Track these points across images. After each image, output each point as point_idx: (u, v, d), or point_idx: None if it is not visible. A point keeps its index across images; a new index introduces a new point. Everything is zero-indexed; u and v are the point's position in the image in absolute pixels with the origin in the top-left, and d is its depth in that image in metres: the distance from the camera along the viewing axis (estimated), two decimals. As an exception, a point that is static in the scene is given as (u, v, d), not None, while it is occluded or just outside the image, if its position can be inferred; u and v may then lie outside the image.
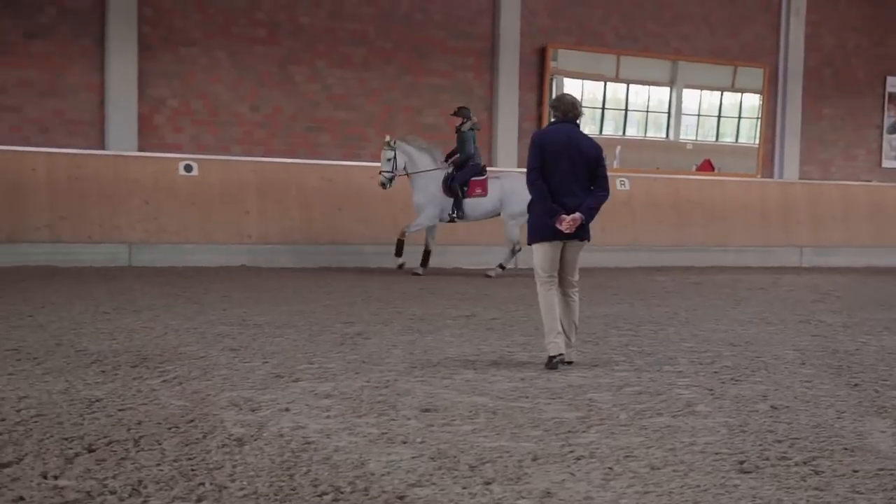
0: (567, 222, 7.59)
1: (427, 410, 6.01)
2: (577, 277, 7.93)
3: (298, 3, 17.51)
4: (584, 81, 20.49)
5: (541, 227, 7.75)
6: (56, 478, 4.42)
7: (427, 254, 15.24)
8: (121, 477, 4.46)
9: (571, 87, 19.99)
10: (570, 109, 7.95)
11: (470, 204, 15.26)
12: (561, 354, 7.54)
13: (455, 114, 15.44)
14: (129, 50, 16.00)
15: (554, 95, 8.93)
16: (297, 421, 5.66)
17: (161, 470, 4.59)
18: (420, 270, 15.08)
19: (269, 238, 16.02)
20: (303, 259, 15.91)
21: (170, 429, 5.36)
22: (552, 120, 8.11)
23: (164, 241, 15.38)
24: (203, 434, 5.28)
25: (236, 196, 16.00)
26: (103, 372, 6.92)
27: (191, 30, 16.69)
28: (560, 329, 7.61)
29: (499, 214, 15.48)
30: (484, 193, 15.31)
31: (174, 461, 4.74)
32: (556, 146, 7.72)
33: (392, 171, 14.95)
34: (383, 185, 15.00)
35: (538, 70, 19.29)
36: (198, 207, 15.68)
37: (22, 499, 4.14)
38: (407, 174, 15.19)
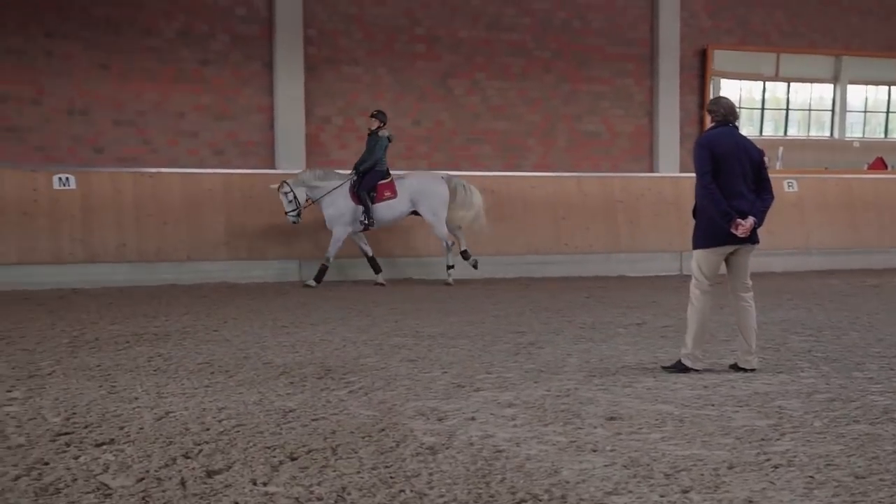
0: (743, 226, 7.48)
1: (612, 419, 6.00)
2: (750, 282, 7.82)
3: (457, 17, 17.75)
4: (742, 82, 20.11)
5: (712, 233, 7.65)
6: (265, 484, 4.59)
7: (372, 260, 15.05)
8: (325, 484, 4.60)
9: (728, 88, 19.66)
10: (729, 112, 7.87)
11: (381, 208, 14.90)
12: (697, 371, 7.58)
13: (374, 116, 14.96)
14: (296, 72, 16.52)
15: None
16: (485, 430, 5.72)
17: (361, 477, 4.71)
18: (380, 279, 14.93)
19: (433, 250, 16.21)
20: (466, 270, 16.03)
21: (363, 438, 5.50)
22: (711, 124, 7.98)
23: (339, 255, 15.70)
24: (396, 443, 5.40)
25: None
26: (292, 383, 7.15)
27: (354, 49, 17.10)
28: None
29: (414, 214, 15.20)
30: (394, 195, 14.94)
31: (372, 469, 4.86)
32: (725, 150, 7.62)
33: (297, 208, 14.61)
34: (294, 222, 14.73)
35: (699, 72, 19.02)
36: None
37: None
38: (314, 201, 14.84)
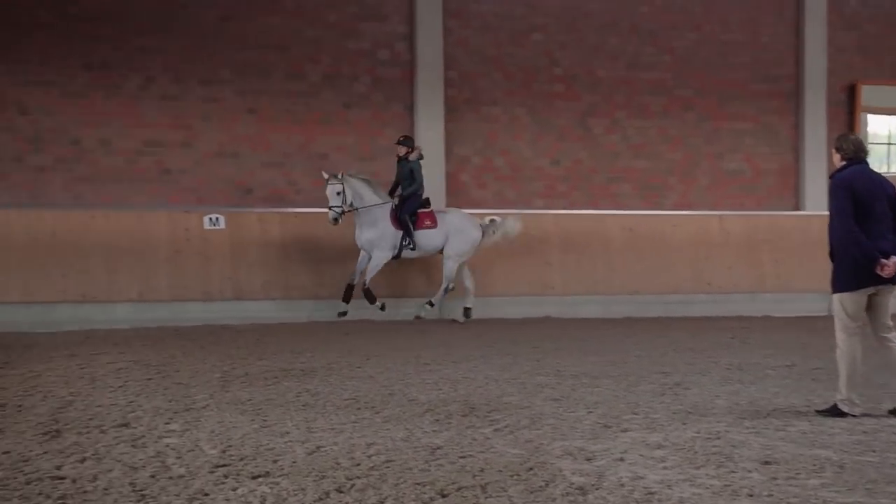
0: (889, 268, 7.25)
1: (767, 463, 5.84)
2: (892, 322, 7.57)
3: (596, 56, 17.73)
4: (891, 117, 19.52)
5: (855, 275, 7.41)
6: (418, 521, 4.63)
7: (350, 288, 14.56)
8: (477, 522, 4.60)
9: (875, 123, 19.12)
10: (860, 149, 7.69)
11: (421, 235, 14.67)
12: (854, 416, 7.31)
13: (401, 143, 14.81)
14: (436, 113, 16.73)
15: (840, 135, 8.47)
16: (635, 471, 5.64)
17: (513, 516, 4.70)
18: (345, 308, 14.56)
19: (571, 289, 16.14)
20: (606, 309, 15.90)
21: (511, 476, 5.48)
22: (842, 162, 7.72)
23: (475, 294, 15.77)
24: (545, 482, 5.36)
25: (539, 248, 16.26)
26: (437, 420, 7.18)
27: (493, 90, 17.25)
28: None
29: (440, 251, 14.95)
30: (434, 225, 14.77)
31: (523, 508, 4.84)
32: (865, 188, 7.41)
33: (342, 206, 14.28)
34: (335, 220, 14.31)
35: (847, 108, 18.54)
36: (502, 260, 16.03)
37: (389, 540, 4.37)
38: (354, 209, 14.49)
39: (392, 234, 14.59)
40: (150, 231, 14.76)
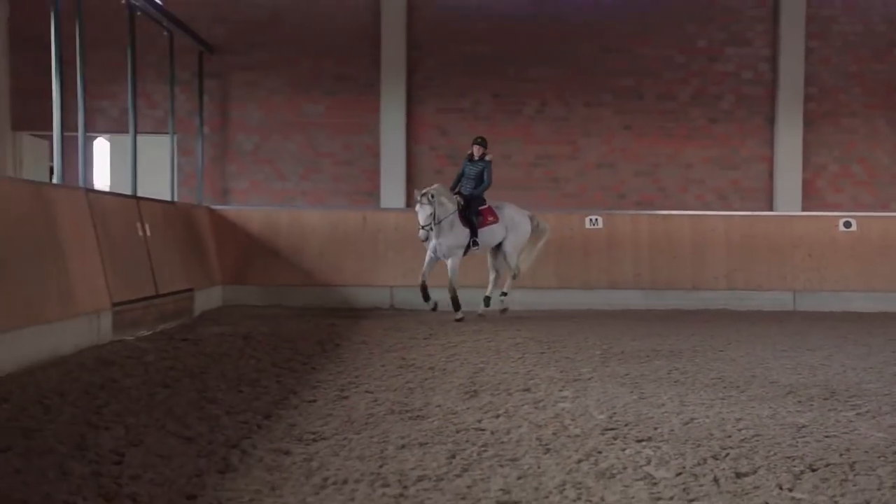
0: None
1: None
2: None
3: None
4: None
5: None
6: (790, 490, 4.44)
7: (425, 288, 12.70)
8: (847, 497, 4.34)
9: None
10: None
11: (485, 233, 12.86)
12: None
13: (478, 143, 12.90)
14: (795, 125, 15.96)
15: None
16: None
17: (882, 494, 4.38)
18: (433, 304, 12.88)
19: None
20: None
21: (879, 457, 5.11)
22: None
23: (826, 289, 14.88)
24: (910, 466, 4.95)
25: (891, 247, 15.00)
26: (799, 402, 6.83)
27: (852, 103, 16.18)
28: None
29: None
30: (496, 221, 12.95)
31: (892, 488, 4.50)
32: None
33: (431, 224, 12.32)
34: (426, 238, 12.45)
35: None
36: (857, 259, 14.95)
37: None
38: (439, 222, 12.48)
39: (465, 236, 12.82)
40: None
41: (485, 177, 12.81)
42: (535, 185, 16.29)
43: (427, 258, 12.71)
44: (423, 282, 12.62)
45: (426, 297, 12.62)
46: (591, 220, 15.20)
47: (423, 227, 12.28)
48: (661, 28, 16.50)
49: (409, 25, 16.59)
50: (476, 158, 12.85)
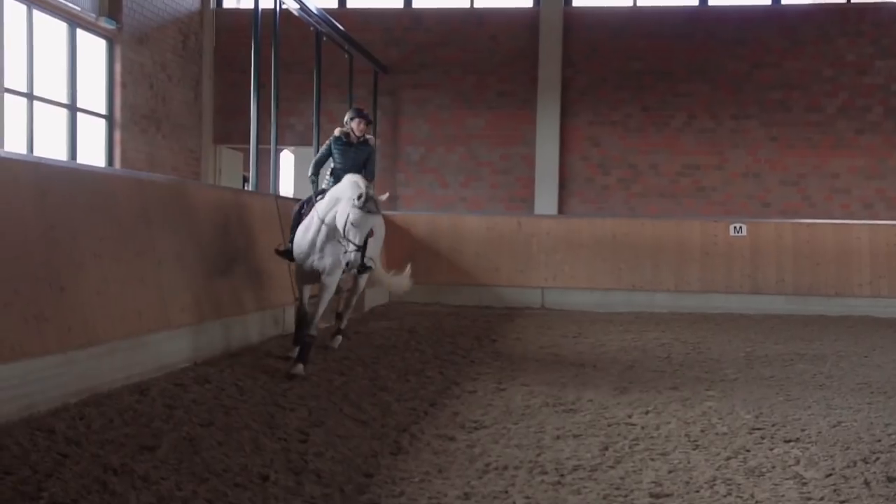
0: None
1: None
2: None
3: None
4: None
5: None
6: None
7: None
8: None
9: None
10: None
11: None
12: None
13: (363, 117, 7.99)
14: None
15: None
16: None
17: None
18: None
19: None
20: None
21: None
22: None
23: (974, 298, 13.79)
24: None
25: None
26: (951, 411, 6.36)
27: None
28: None
29: None
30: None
31: None
32: None
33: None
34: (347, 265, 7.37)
35: None
36: None
37: None
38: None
39: (342, 252, 7.46)
40: (686, 236, 14.74)
41: (370, 167, 8.04)
42: (681, 193, 15.86)
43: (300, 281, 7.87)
44: (303, 309, 7.73)
45: (304, 327, 7.43)
46: (735, 227, 14.66)
47: (357, 249, 6.91)
48: (810, 43, 15.75)
49: (564, 44, 16.48)
50: (356, 140, 7.99)
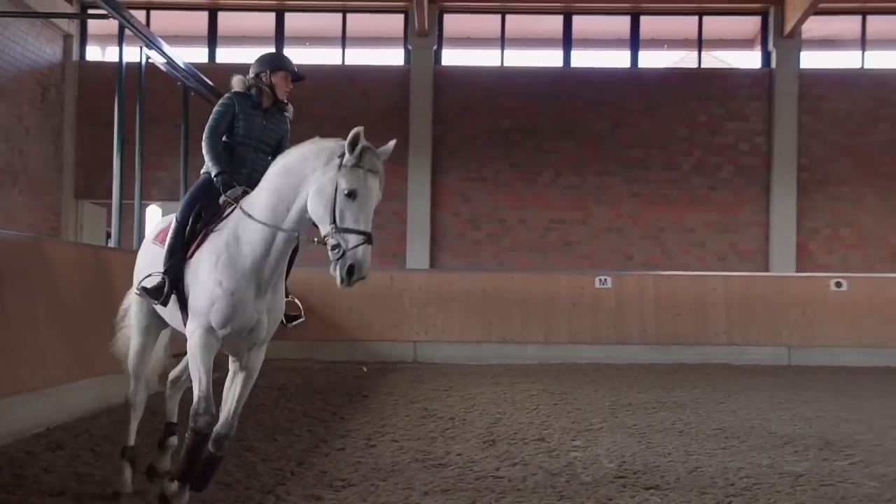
0: None
1: None
2: None
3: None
4: None
5: None
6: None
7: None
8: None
9: None
10: None
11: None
12: None
13: (288, 70, 5.15)
14: (789, 193, 16.04)
15: None
16: None
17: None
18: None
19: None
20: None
21: (871, 507, 5.00)
22: None
23: (818, 344, 14.62)
24: (902, 515, 4.84)
25: (883, 307, 14.79)
26: (796, 452, 6.71)
27: (841, 172, 16.28)
28: None
29: None
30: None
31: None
32: None
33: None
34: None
35: None
36: (847, 317, 14.75)
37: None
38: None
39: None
40: (554, 289, 15.09)
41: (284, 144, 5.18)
42: (549, 247, 16.34)
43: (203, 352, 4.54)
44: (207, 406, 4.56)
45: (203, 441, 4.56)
46: (600, 280, 15.13)
47: (365, 240, 4.40)
48: (666, 104, 16.65)
49: (435, 102, 16.82)
50: (271, 105, 5.15)
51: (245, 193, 4.65)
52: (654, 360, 14.35)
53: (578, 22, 17.14)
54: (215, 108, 5.04)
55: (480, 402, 9.27)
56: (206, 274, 4.45)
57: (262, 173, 4.68)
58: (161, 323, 5.04)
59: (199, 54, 17.15)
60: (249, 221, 4.47)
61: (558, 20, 17.14)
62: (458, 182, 16.61)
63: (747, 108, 16.49)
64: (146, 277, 4.79)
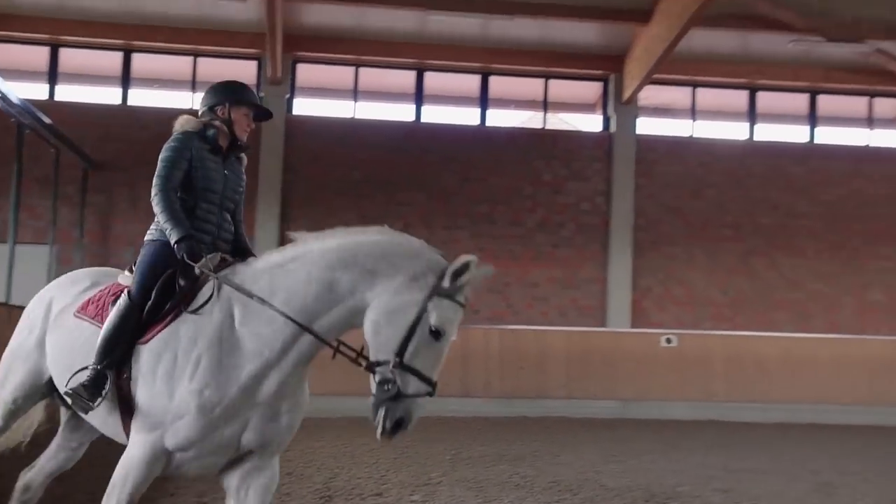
0: None
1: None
2: None
3: (758, 207, 17.34)
4: None
5: None
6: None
7: None
8: None
9: None
10: None
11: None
12: None
13: (251, 102, 4.45)
14: (625, 252, 16.78)
15: None
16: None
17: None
18: None
19: (733, 396, 15.37)
20: (762, 414, 14.98)
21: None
22: None
23: (650, 398, 15.28)
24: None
25: (706, 362, 15.63)
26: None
27: (674, 233, 17.19)
28: None
29: None
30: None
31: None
32: None
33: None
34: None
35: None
36: (676, 372, 15.47)
37: None
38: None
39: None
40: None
41: (241, 205, 4.51)
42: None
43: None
44: None
45: None
46: (446, 332, 15.25)
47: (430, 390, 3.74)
48: (512, 162, 17.17)
49: (286, 150, 16.72)
50: (229, 147, 4.36)
51: (224, 263, 3.65)
52: (498, 413, 14.54)
53: (430, 78, 17.53)
54: (164, 153, 4.02)
55: (319, 455, 9.11)
56: (175, 371, 3.36)
57: (228, 240, 3.86)
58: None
59: (38, 90, 16.42)
60: (262, 309, 3.47)
61: (411, 76, 17.46)
62: (308, 232, 16.49)
63: (589, 169, 17.24)
64: (76, 373, 3.54)
